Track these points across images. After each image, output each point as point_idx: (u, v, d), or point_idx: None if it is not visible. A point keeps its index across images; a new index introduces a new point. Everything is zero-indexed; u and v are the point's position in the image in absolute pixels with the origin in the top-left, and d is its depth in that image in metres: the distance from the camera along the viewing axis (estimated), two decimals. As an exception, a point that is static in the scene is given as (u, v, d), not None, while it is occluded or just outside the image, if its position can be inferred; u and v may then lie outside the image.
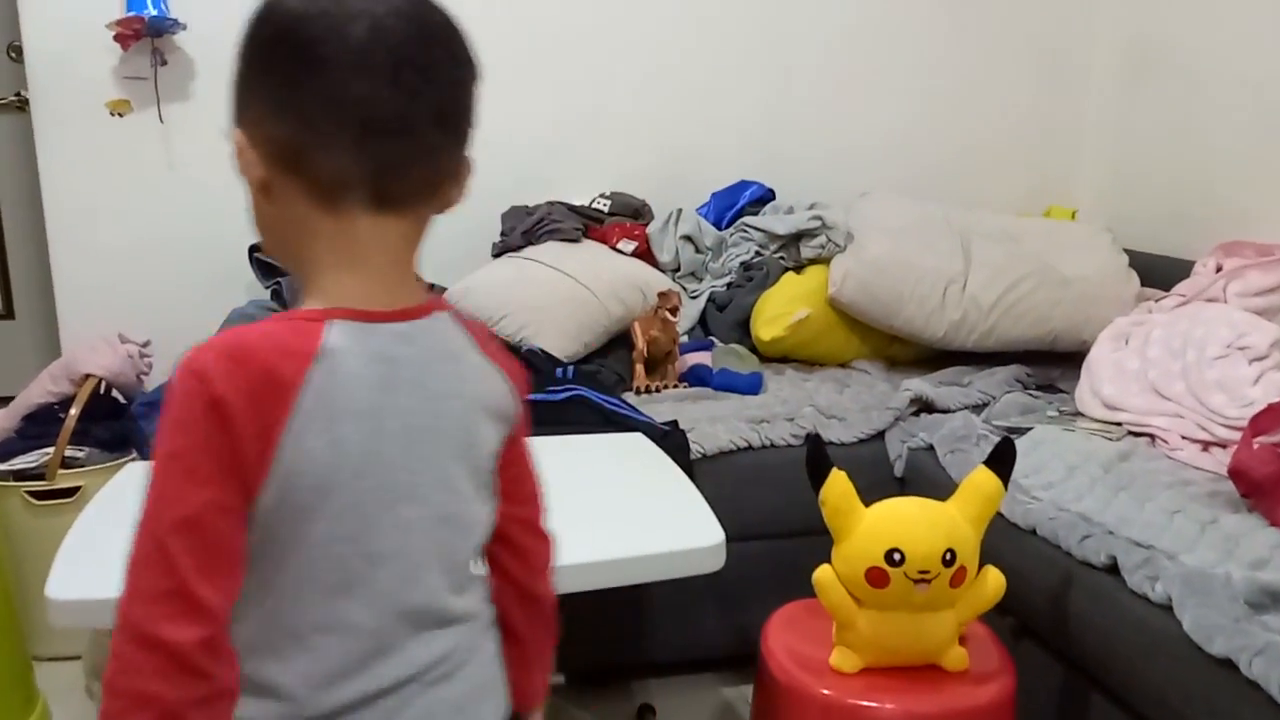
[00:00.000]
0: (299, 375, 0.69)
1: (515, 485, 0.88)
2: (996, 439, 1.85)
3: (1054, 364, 2.38)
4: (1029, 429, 1.93)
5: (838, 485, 1.41)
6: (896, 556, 1.35)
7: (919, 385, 2.15)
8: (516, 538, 0.89)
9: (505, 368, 0.83)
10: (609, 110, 2.66)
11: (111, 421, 2.13)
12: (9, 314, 2.89)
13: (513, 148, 2.59)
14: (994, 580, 1.43)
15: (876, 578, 1.36)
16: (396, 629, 0.77)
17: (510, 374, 0.84)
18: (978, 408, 2.13)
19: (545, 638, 0.93)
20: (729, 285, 2.50)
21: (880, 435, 2.06)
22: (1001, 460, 1.43)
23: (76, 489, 1.99)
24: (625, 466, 1.65)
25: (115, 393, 2.26)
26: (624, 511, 1.46)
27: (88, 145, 2.41)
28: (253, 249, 2.35)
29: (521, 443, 0.88)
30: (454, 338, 0.80)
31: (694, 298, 2.53)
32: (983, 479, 1.42)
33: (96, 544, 1.31)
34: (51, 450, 2.01)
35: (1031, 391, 2.23)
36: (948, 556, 1.35)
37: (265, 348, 0.69)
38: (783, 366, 2.41)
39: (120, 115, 2.41)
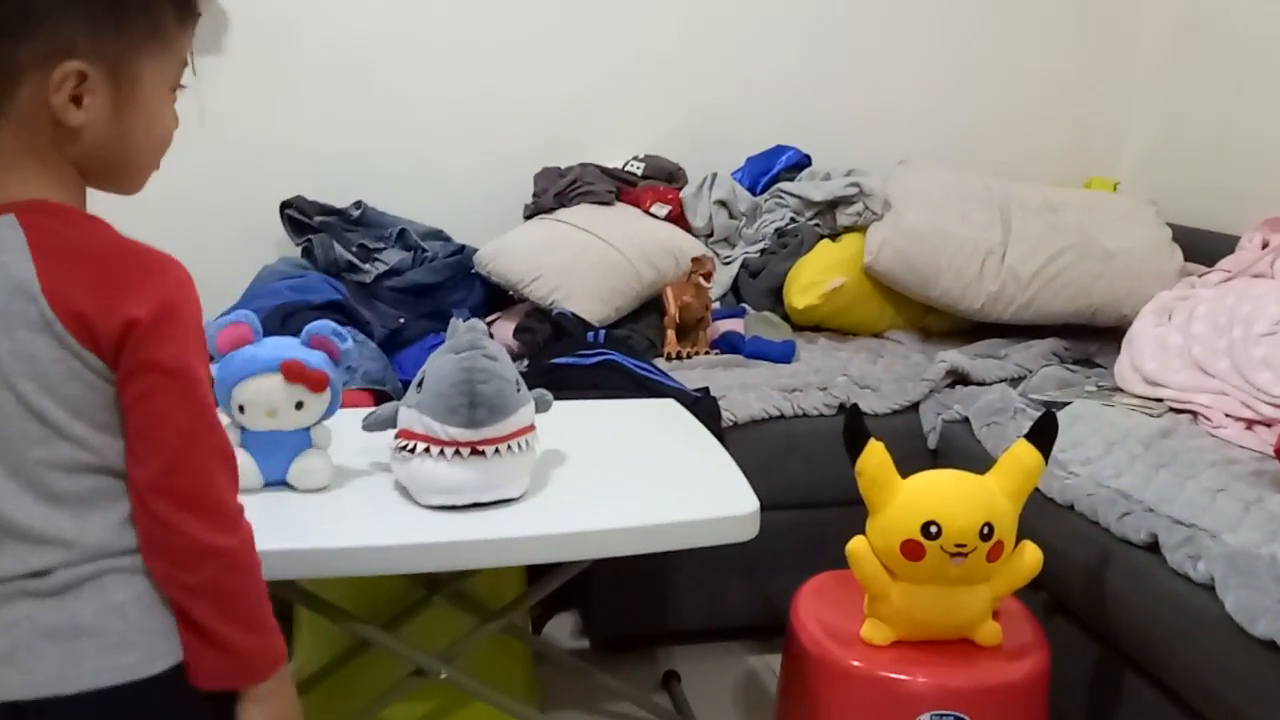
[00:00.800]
0: None
1: (130, 435, 0.81)
2: (1033, 412, 1.84)
3: (1091, 338, 2.33)
4: (1067, 403, 1.89)
5: (875, 456, 1.39)
6: (933, 529, 1.33)
7: (955, 357, 2.11)
8: (134, 496, 0.81)
9: (53, 286, 0.76)
10: (643, 72, 2.61)
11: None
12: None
13: (545, 108, 2.56)
14: (1031, 555, 1.41)
15: (912, 550, 1.34)
16: None
17: (58, 295, 0.76)
18: (1014, 381, 2.10)
19: (184, 617, 0.82)
20: (763, 252, 2.47)
21: (914, 407, 2.03)
22: (1042, 434, 1.40)
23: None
24: (658, 432, 1.63)
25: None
26: (656, 477, 1.44)
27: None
28: (284, 205, 2.33)
29: (141, 390, 0.79)
30: (2, 243, 0.77)
31: (727, 264, 2.49)
32: (1023, 452, 1.40)
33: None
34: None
35: (1069, 366, 2.19)
36: (985, 530, 1.33)
37: None
38: (815, 335, 2.38)
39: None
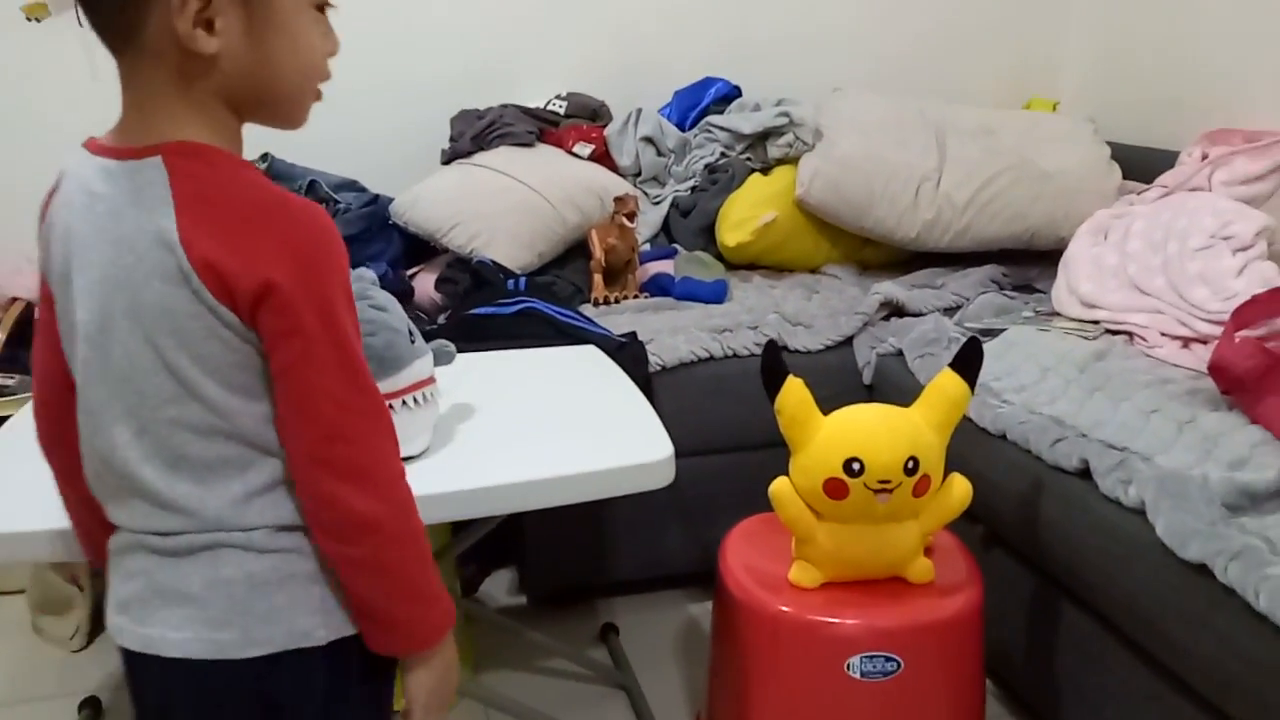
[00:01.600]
0: (49, 195, 0.81)
1: (281, 405, 0.76)
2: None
3: (1031, 263, 2.29)
4: (1003, 330, 1.84)
5: (794, 393, 1.33)
6: (855, 466, 1.27)
7: (889, 288, 2.06)
8: (292, 469, 0.77)
9: (190, 236, 0.71)
10: (565, 4, 2.49)
11: (42, 348, 2.02)
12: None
13: (461, 46, 2.44)
14: (960, 488, 1.35)
15: (835, 489, 1.29)
16: (106, 476, 0.80)
17: (195, 245, 0.71)
18: (950, 310, 2.05)
19: (347, 589, 0.80)
20: (693, 189, 2.38)
21: (848, 341, 1.98)
22: (967, 362, 1.34)
23: (4, 419, 1.89)
24: (574, 380, 1.56)
25: (50, 318, 2.15)
26: (568, 427, 1.37)
27: (3, 53, 2.25)
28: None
29: (288, 359, 0.74)
30: (150, 187, 0.73)
31: (656, 203, 2.41)
32: (947, 382, 1.34)
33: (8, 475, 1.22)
34: (-22, 379, 1.91)
35: (1007, 292, 2.14)
36: (910, 465, 1.27)
37: None
38: (750, 274, 2.31)
39: (37, 20, 2.24)
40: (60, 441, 0.86)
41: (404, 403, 1.23)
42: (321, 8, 0.80)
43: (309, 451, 0.76)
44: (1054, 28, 2.78)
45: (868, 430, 1.30)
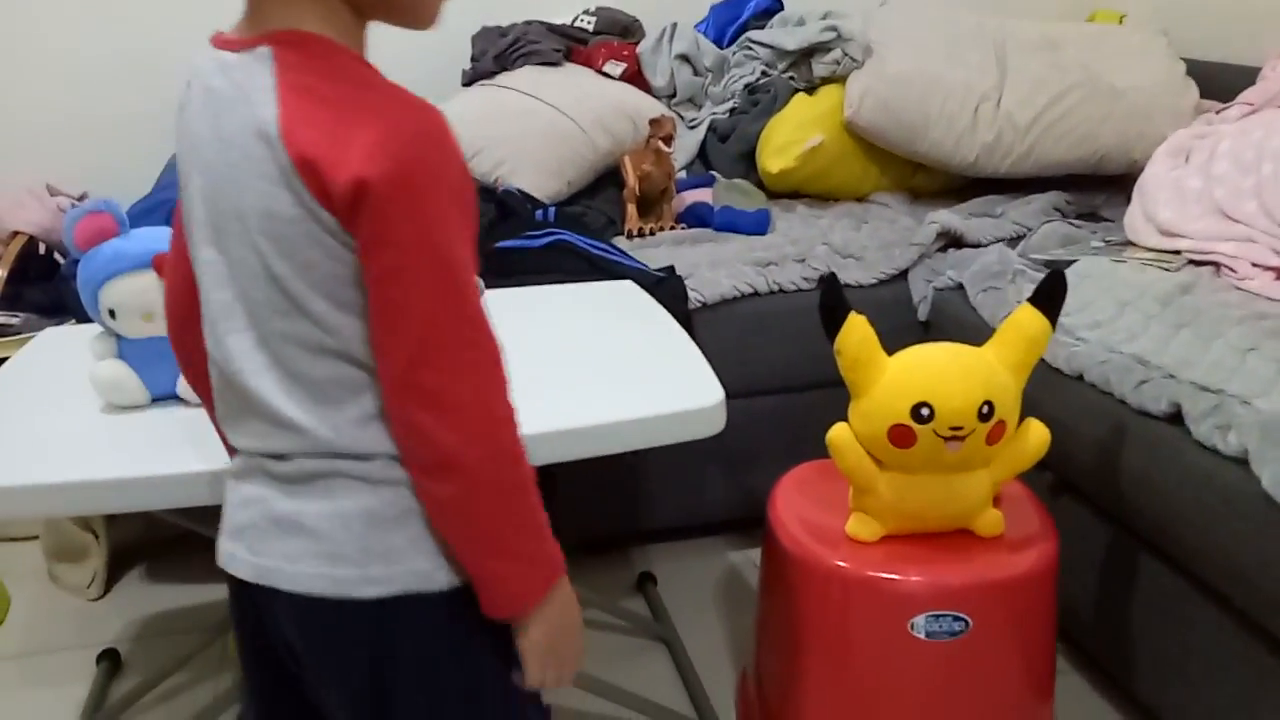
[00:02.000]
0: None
1: (372, 320, 0.69)
2: (1035, 274, 1.66)
3: (1097, 189, 2.13)
4: (1072, 262, 1.71)
5: (856, 331, 1.21)
6: (925, 412, 1.15)
7: (946, 217, 1.92)
8: (384, 394, 0.71)
9: (291, 129, 0.66)
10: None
11: (47, 284, 1.94)
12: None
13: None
14: (1037, 434, 1.24)
15: (901, 436, 1.17)
16: (226, 393, 0.77)
17: (294, 140, 0.66)
18: (1012, 241, 1.91)
19: (439, 531, 0.74)
20: (732, 111, 2.24)
21: (902, 275, 1.85)
22: (1049, 296, 1.22)
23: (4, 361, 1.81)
24: (612, 319, 1.45)
25: (56, 255, 2.06)
26: (609, 370, 1.27)
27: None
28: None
29: (380, 270, 0.68)
30: (255, 78, 0.68)
31: (692, 127, 2.27)
32: (1026, 319, 1.21)
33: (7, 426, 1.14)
34: (-20, 317, 1.83)
35: (1072, 221, 1.99)
36: (984, 410, 1.16)
37: None
38: (793, 202, 2.17)
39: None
40: (188, 346, 0.84)
41: (428, 343, 1.13)
42: None
43: (395, 374, 0.69)
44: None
45: (938, 372, 1.18)
